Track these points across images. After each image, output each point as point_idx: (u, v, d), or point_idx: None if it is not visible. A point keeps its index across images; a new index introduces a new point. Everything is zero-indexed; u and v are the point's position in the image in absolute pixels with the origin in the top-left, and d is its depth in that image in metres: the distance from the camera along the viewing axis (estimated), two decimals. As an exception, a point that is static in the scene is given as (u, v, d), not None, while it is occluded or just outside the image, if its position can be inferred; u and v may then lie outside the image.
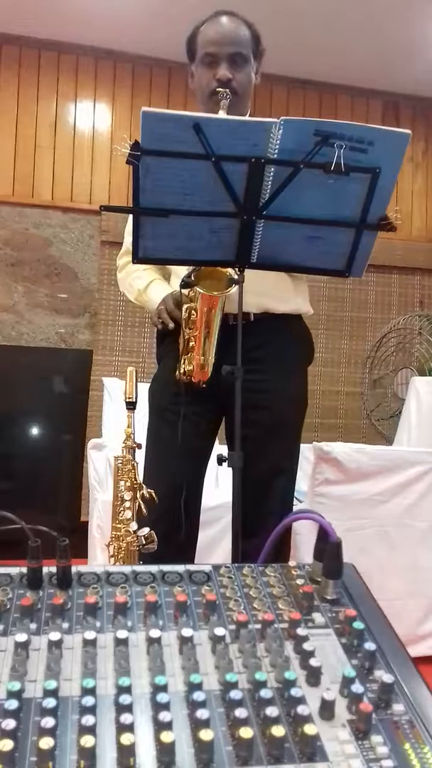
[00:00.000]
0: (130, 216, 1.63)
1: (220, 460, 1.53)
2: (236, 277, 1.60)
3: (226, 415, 1.83)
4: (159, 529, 1.63)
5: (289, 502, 1.87)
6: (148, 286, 1.88)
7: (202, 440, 1.83)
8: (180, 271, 1.84)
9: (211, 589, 0.82)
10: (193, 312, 1.65)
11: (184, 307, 1.67)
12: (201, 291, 1.60)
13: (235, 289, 1.58)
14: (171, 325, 1.71)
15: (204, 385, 1.68)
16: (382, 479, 2.59)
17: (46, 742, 0.58)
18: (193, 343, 1.66)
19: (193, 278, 1.61)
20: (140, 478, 1.72)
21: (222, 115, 1.62)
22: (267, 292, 1.78)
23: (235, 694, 0.65)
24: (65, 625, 0.75)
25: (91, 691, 0.65)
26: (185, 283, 1.61)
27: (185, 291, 1.66)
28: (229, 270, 1.61)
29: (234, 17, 1.80)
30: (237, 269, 1.55)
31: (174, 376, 1.74)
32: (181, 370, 1.71)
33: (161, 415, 1.84)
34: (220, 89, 1.70)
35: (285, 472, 1.83)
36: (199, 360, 1.66)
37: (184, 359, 1.70)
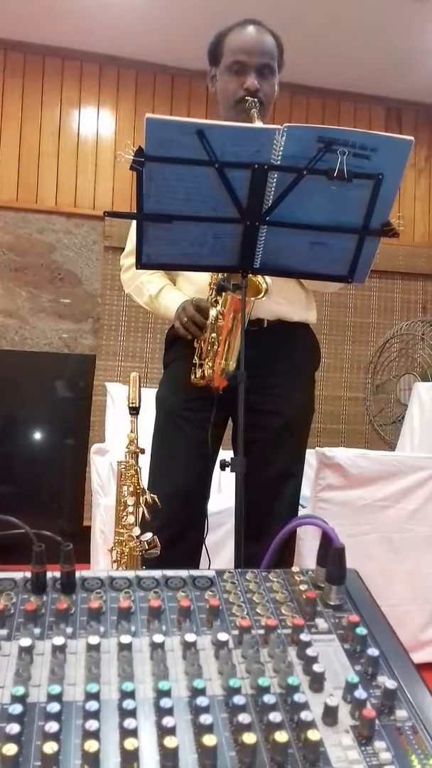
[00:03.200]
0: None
1: (223, 465, 1.53)
2: (265, 284, 1.61)
3: (233, 420, 1.83)
4: (164, 534, 1.63)
5: (296, 507, 1.88)
6: (161, 292, 1.88)
7: (209, 445, 1.83)
8: (190, 275, 1.84)
9: (215, 595, 0.82)
10: (219, 316, 1.64)
11: (212, 311, 1.67)
12: (233, 295, 1.60)
13: (265, 294, 1.58)
14: (199, 335, 1.70)
15: (221, 391, 1.67)
16: (385, 485, 2.59)
17: (50, 747, 0.59)
18: (218, 347, 1.65)
19: (227, 282, 1.61)
20: (143, 483, 1.72)
21: (257, 123, 1.63)
22: (281, 301, 1.79)
23: (238, 700, 0.65)
24: (69, 630, 0.75)
25: (94, 696, 0.65)
26: (221, 287, 1.62)
27: (222, 295, 1.66)
28: (259, 278, 1.62)
29: (262, 27, 1.81)
30: (243, 277, 1.55)
31: (185, 382, 1.73)
32: (198, 374, 1.70)
33: (170, 420, 1.84)
34: (248, 98, 1.70)
35: (294, 477, 1.84)
36: (221, 365, 1.65)
37: (204, 363, 1.69)
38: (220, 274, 1.67)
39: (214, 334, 1.65)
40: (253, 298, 1.60)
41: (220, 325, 1.64)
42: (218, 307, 1.65)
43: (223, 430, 1.88)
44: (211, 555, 1.81)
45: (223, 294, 1.62)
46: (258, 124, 1.64)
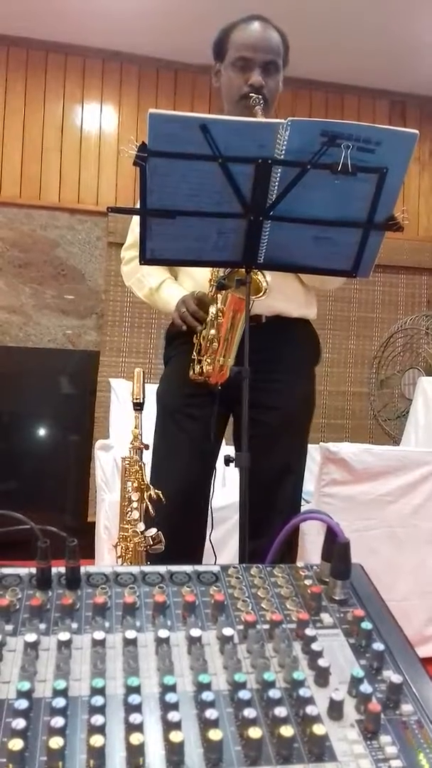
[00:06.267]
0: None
1: (227, 460, 1.53)
2: (265, 283, 1.60)
3: (234, 415, 1.83)
4: (167, 529, 1.63)
5: (297, 501, 1.87)
6: (161, 285, 1.88)
7: (209, 441, 1.83)
8: (191, 270, 1.84)
9: (220, 590, 0.82)
10: (219, 314, 1.64)
11: (212, 308, 1.67)
12: (233, 293, 1.60)
13: (265, 293, 1.58)
14: (198, 327, 1.71)
15: (220, 387, 1.68)
16: (390, 479, 2.59)
17: (55, 742, 0.59)
18: (217, 344, 1.64)
19: (227, 281, 1.61)
20: (147, 478, 1.72)
21: (259, 118, 1.62)
22: (280, 297, 1.79)
23: (243, 694, 0.65)
24: (74, 626, 0.75)
25: (100, 691, 0.65)
26: (221, 285, 1.62)
27: (217, 294, 1.66)
28: (259, 276, 1.62)
29: (267, 23, 1.80)
30: (247, 272, 1.55)
31: (184, 377, 1.73)
32: (197, 371, 1.70)
33: (170, 416, 1.84)
34: (253, 95, 1.70)
35: (294, 472, 1.84)
36: (220, 362, 1.65)
37: (202, 360, 1.69)
38: (221, 271, 1.67)
39: (213, 331, 1.65)
40: (252, 297, 1.60)
41: (219, 322, 1.64)
42: (218, 305, 1.65)
43: (224, 425, 1.88)
44: (216, 550, 1.81)
45: (224, 292, 1.62)
46: (261, 118, 1.64)
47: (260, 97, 1.70)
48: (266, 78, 1.74)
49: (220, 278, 1.62)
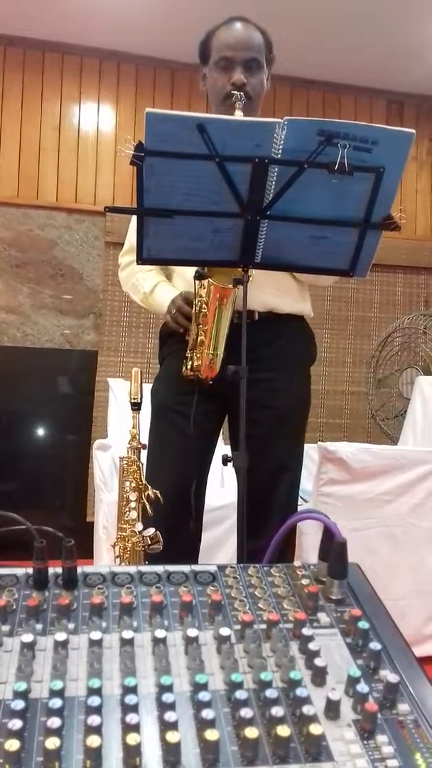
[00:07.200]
0: (133, 215, 1.63)
1: (225, 460, 1.53)
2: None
3: (230, 414, 1.83)
4: (162, 528, 1.63)
5: (294, 500, 1.87)
6: (154, 288, 1.88)
7: (206, 440, 1.83)
8: (183, 272, 1.84)
9: (217, 590, 0.82)
10: (203, 306, 1.64)
11: (195, 300, 1.67)
12: (213, 282, 1.59)
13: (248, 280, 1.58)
14: (188, 326, 1.71)
15: (211, 382, 1.67)
16: (388, 479, 2.59)
17: (52, 742, 0.59)
18: (203, 337, 1.64)
19: (206, 270, 1.60)
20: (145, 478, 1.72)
21: (239, 116, 1.62)
22: (273, 292, 1.78)
23: (240, 694, 0.65)
24: (71, 626, 0.75)
25: (97, 692, 0.65)
26: (199, 275, 1.61)
27: (196, 283, 1.65)
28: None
29: (248, 23, 1.81)
30: (244, 271, 1.54)
31: (178, 376, 1.73)
32: (188, 366, 1.70)
33: (164, 415, 1.84)
34: (235, 92, 1.70)
35: (290, 471, 1.84)
36: (208, 355, 1.65)
37: (192, 355, 1.69)
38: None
39: (200, 324, 1.65)
40: (234, 287, 1.59)
41: (204, 313, 1.63)
42: (202, 297, 1.64)
43: (219, 423, 1.88)
44: (214, 549, 1.82)
45: (205, 283, 1.62)
46: (238, 115, 1.63)
47: (242, 94, 1.70)
48: (249, 76, 1.75)
49: (198, 269, 1.61)
